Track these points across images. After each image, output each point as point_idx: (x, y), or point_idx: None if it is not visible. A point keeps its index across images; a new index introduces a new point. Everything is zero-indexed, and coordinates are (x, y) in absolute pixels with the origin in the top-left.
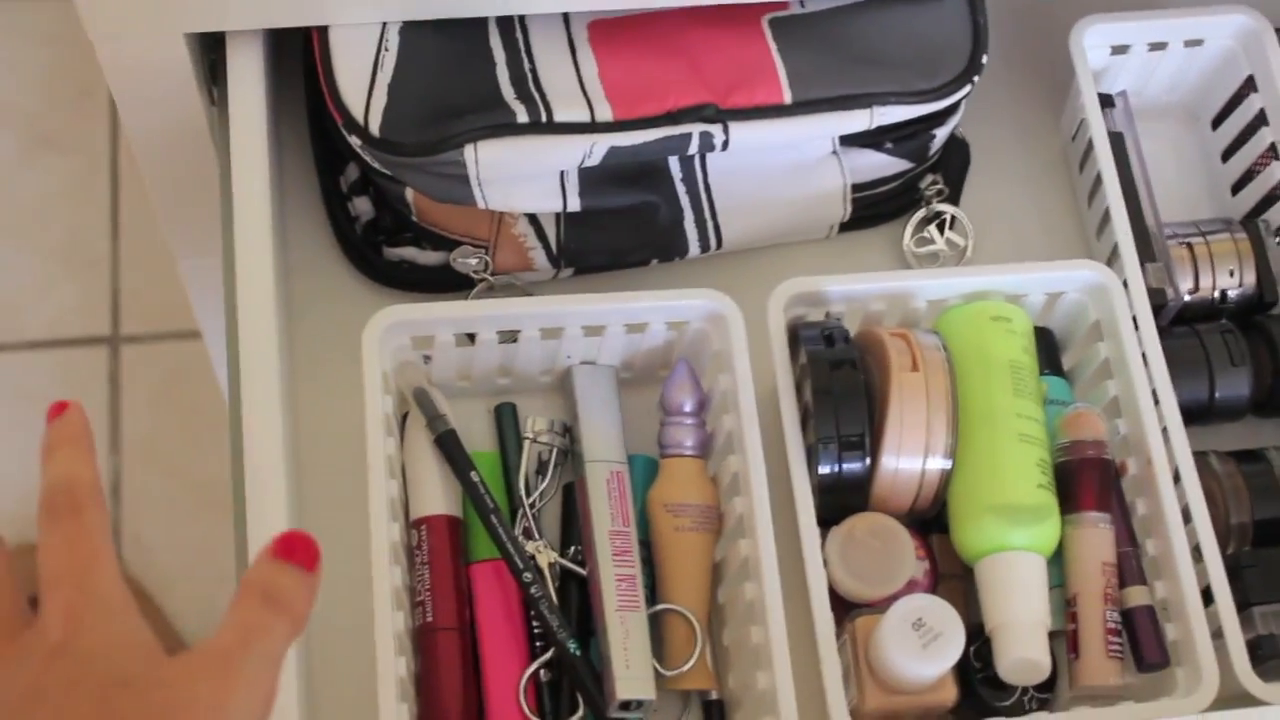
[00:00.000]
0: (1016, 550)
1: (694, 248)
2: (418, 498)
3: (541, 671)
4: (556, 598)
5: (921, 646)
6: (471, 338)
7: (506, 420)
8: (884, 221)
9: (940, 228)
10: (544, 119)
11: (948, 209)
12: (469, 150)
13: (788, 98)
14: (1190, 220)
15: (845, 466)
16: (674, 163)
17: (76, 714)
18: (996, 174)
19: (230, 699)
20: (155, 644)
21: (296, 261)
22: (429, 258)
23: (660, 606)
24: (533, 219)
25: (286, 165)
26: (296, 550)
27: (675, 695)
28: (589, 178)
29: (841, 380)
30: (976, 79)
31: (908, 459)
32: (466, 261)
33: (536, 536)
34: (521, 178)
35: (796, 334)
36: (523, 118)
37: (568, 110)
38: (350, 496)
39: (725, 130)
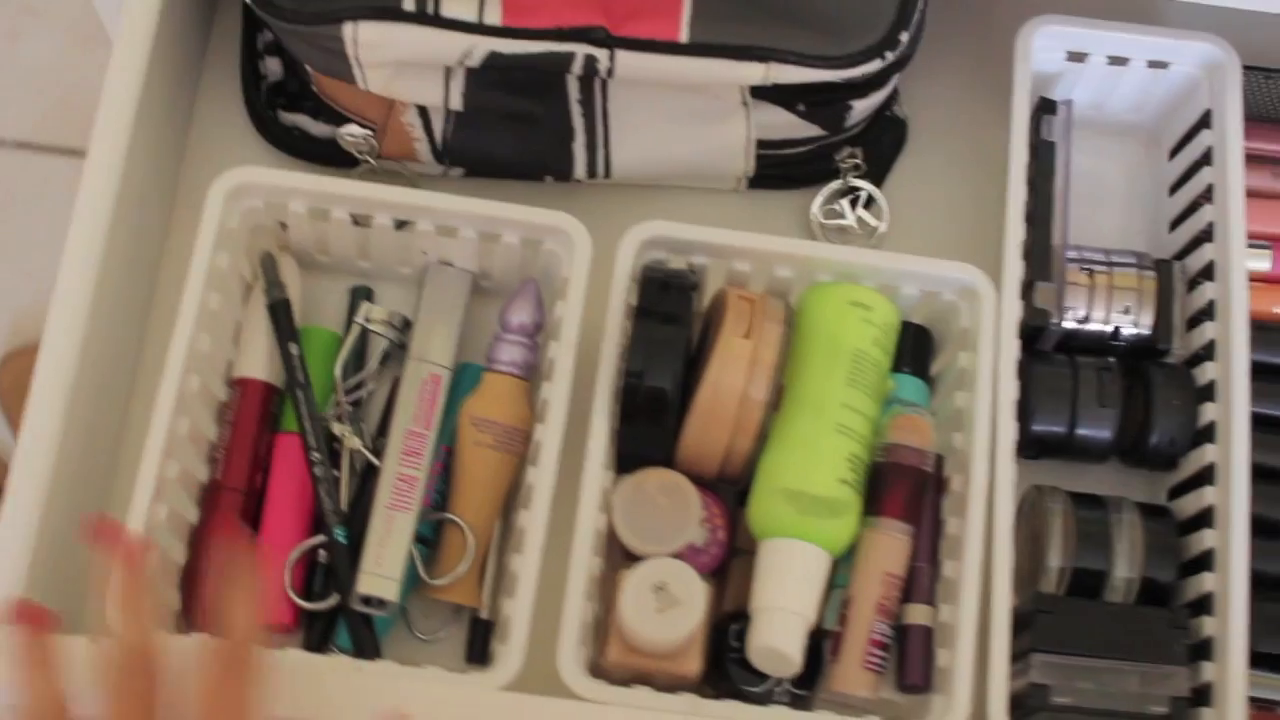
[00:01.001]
0: (798, 539)
1: (580, 170)
2: (243, 359)
3: (321, 552)
4: (355, 484)
5: (657, 610)
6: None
7: (356, 303)
8: (801, 186)
9: (854, 204)
10: (429, 10)
11: (865, 186)
12: (348, 27)
13: (684, 36)
14: (1104, 247)
15: (646, 416)
16: (573, 82)
17: None
18: (938, 163)
19: None
20: None
21: (206, 111)
22: (319, 129)
23: (440, 515)
24: (422, 110)
25: (227, 17)
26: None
27: (447, 607)
28: (477, 80)
29: (658, 331)
30: (889, 55)
31: (716, 425)
32: (351, 139)
33: (346, 421)
34: (405, 66)
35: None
36: (408, 4)
37: (456, 6)
38: None
39: (611, 57)
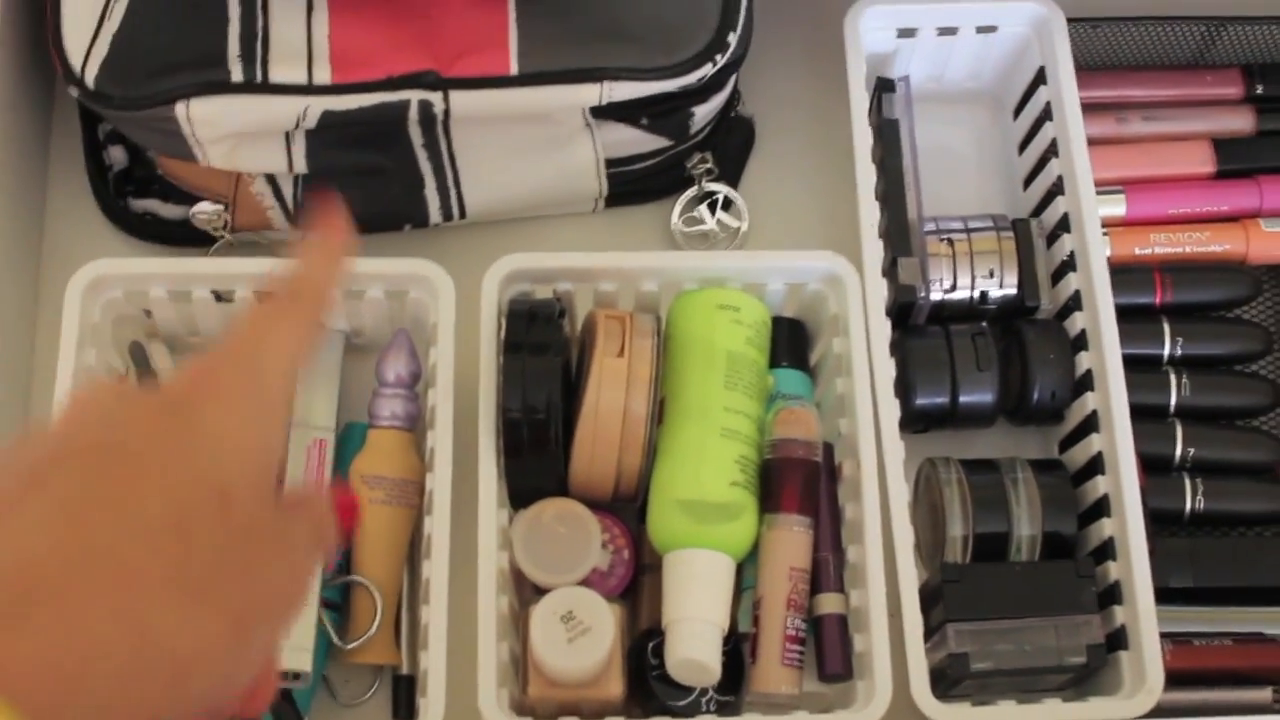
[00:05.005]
0: (699, 548)
1: (435, 215)
2: None
3: None
4: None
5: (568, 640)
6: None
7: None
8: (658, 198)
9: (712, 208)
10: (258, 79)
11: (720, 189)
12: (180, 107)
13: (514, 68)
14: (960, 215)
15: (530, 449)
16: (414, 129)
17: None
18: (786, 158)
19: None
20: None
21: (59, 207)
22: (171, 211)
23: (345, 578)
24: (270, 178)
25: (67, 112)
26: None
27: (369, 670)
28: (318, 141)
29: (530, 363)
30: (720, 58)
31: (603, 446)
32: (204, 217)
33: None
34: (244, 137)
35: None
36: (237, 76)
37: (285, 71)
38: None
39: (446, 99)
